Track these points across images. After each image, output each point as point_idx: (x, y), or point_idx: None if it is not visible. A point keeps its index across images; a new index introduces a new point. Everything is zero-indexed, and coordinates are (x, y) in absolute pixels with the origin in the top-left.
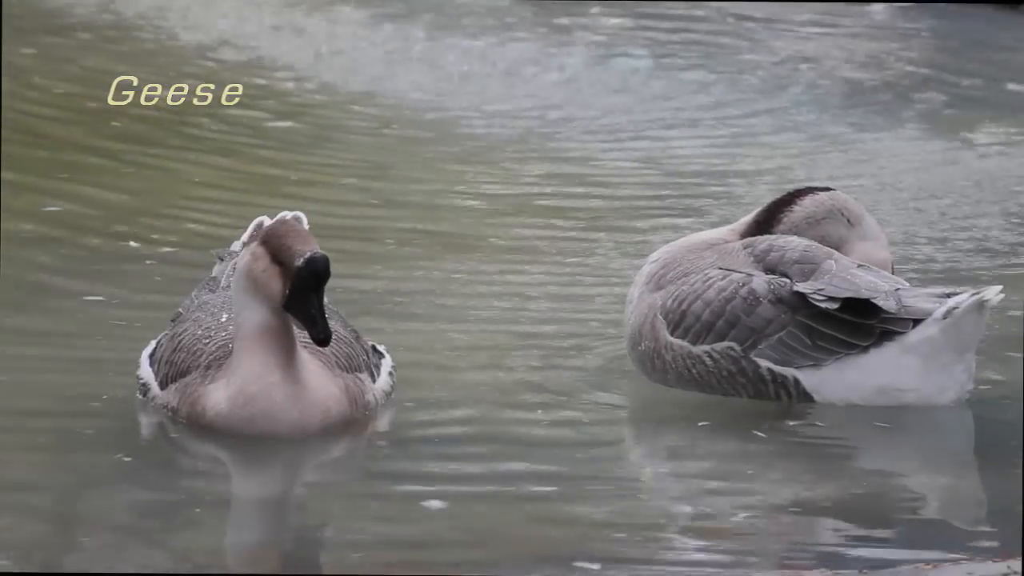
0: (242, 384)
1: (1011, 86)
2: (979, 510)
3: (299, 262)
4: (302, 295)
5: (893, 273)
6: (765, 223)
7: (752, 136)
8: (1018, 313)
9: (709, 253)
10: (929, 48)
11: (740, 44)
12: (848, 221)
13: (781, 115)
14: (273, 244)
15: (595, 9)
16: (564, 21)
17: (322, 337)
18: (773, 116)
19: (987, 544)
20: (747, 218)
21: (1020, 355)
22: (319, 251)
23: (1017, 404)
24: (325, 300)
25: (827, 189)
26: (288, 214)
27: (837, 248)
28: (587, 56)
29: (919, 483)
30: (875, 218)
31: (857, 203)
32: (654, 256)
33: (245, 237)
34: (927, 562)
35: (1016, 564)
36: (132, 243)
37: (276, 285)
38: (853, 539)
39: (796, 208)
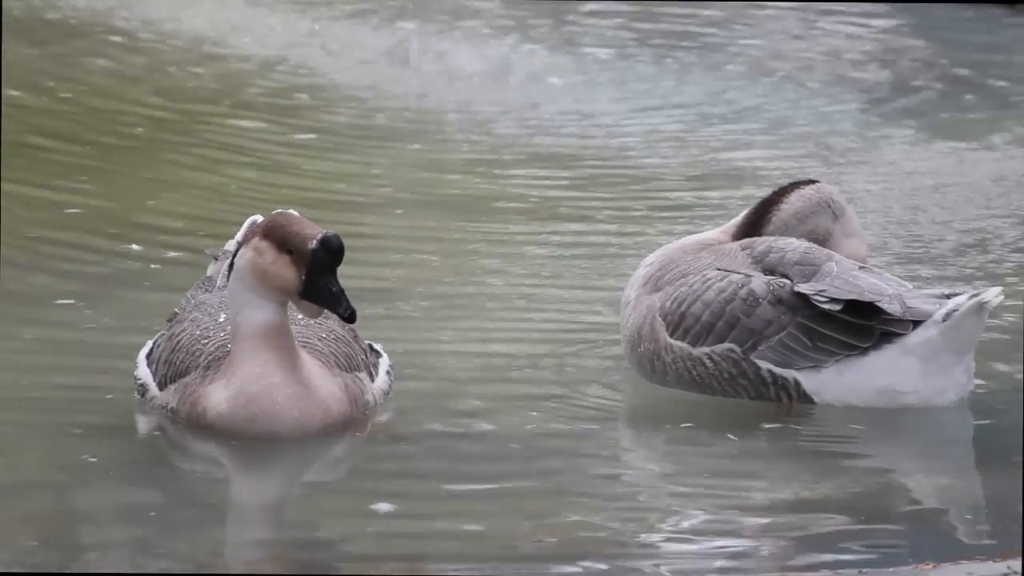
0: (243, 384)
1: (1011, 86)
2: (979, 510)
3: (313, 244)
4: (320, 277)
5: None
6: (755, 224)
7: (752, 138)
8: (1018, 313)
9: (706, 254)
10: (929, 48)
11: (741, 45)
12: (834, 213)
13: (779, 116)
14: (278, 234)
15: (590, 7)
16: (568, 21)
17: (349, 313)
18: (773, 117)
19: (987, 544)
20: (736, 220)
21: (1020, 355)
22: (329, 231)
23: (1017, 404)
24: None
25: (811, 182)
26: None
27: (824, 241)
28: (589, 56)
29: (919, 483)
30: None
31: (840, 195)
32: (649, 259)
33: (239, 236)
34: (927, 562)
35: (1016, 564)
36: (134, 246)
37: (290, 274)
38: (853, 539)
39: (784, 205)
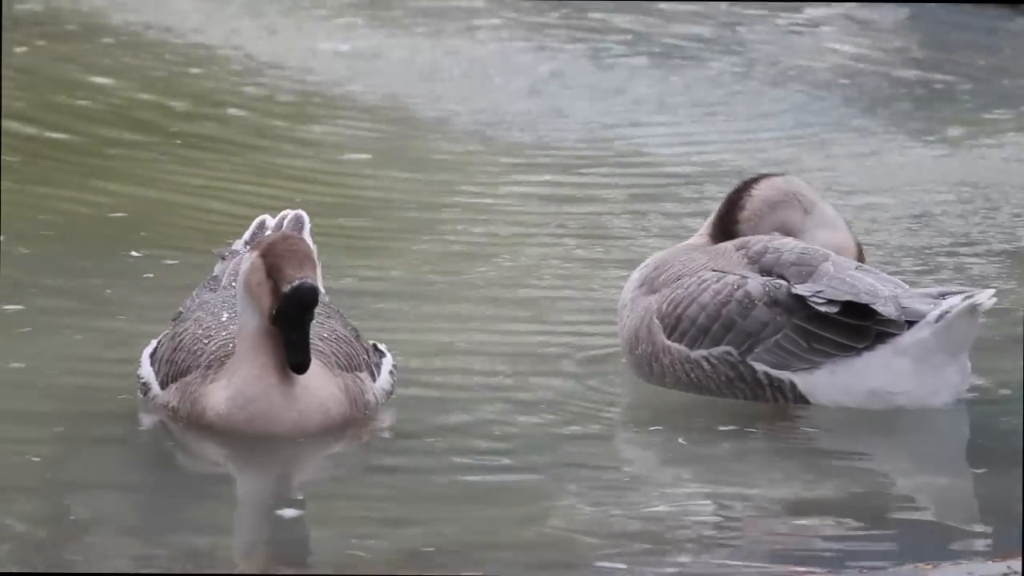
0: (241, 385)
1: (1011, 86)
2: (979, 510)
3: (286, 288)
4: (286, 319)
5: (862, 256)
6: (727, 214)
7: (750, 138)
8: (1018, 313)
9: (699, 254)
10: (928, 48)
11: (738, 44)
12: (803, 207)
13: (778, 116)
14: (270, 261)
15: (594, 10)
16: (562, 21)
17: (295, 364)
18: (770, 117)
19: (987, 544)
20: (710, 219)
21: (1017, 354)
22: (309, 280)
23: (1014, 404)
24: (326, 299)
25: (780, 175)
26: (290, 212)
27: (796, 235)
28: (587, 56)
29: (919, 483)
30: (836, 206)
31: (810, 188)
32: (645, 261)
33: (247, 236)
34: (927, 562)
35: (1016, 564)
36: (134, 252)
37: (267, 302)
38: (852, 539)
39: (755, 192)
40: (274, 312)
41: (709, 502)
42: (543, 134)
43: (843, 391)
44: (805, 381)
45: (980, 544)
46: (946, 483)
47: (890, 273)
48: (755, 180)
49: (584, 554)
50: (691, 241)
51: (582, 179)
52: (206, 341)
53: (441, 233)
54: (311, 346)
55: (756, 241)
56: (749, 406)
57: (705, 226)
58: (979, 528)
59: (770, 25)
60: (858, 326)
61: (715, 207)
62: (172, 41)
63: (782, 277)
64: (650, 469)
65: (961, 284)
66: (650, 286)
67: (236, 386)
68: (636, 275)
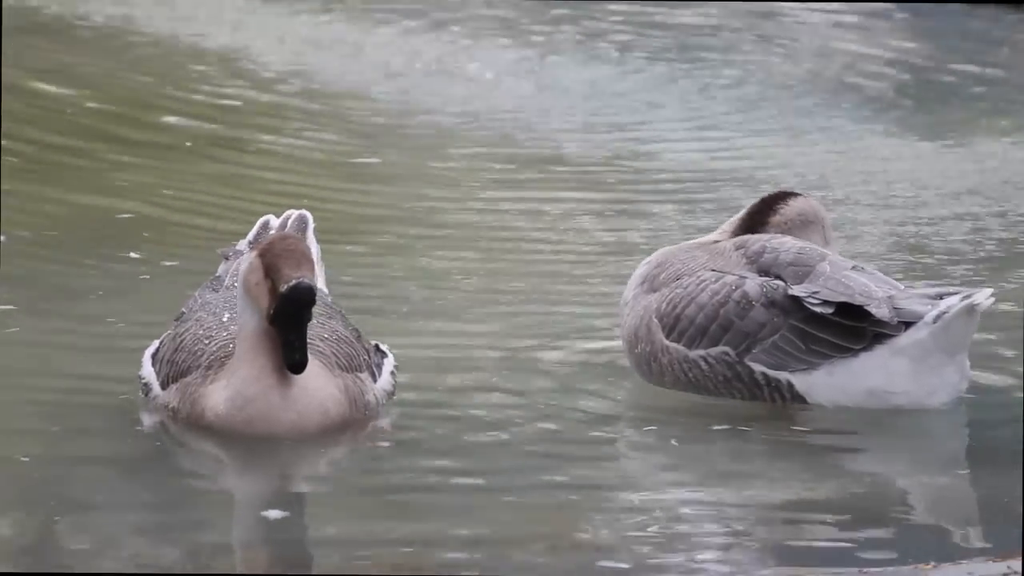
0: (240, 386)
1: (1011, 85)
2: (979, 510)
3: (283, 288)
4: (283, 318)
5: None
6: (759, 213)
7: (749, 137)
8: (1018, 313)
9: (700, 253)
10: (929, 47)
11: (737, 43)
12: (825, 236)
13: (777, 115)
14: (267, 261)
15: (597, 11)
16: (565, 23)
17: (292, 364)
18: (772, 120)
19: (987, 544)
20: (735, 218)
21: (1020, 354)
22: (306, 279)
23: (1016, 404)
24: (328, 299)
25: (814, 197)
26: (294, 212)
27: None
28: (591, 61)
29: (918, 483)
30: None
31: (831, 223)
32: (649, 258)
33: (251, 236)
34: (927, 562)
35: (1016, 564)
36: (133, 254)
37: (265, 301)
38: (852, 539)
39: (792, 202)
40: (272, 312)
41: (708, 503)
42: (546, 139)
43: (841, 391)
44: (802, 381)
45: (980, 544)
46: (946, 483)
47: (890, 273)
48: (793, 193)
49: (582, 554)
50: (708, 237)
51: (584, 182)
52: (207, 342)
53: (443, 236)
54: (311, 347)
55: (755, 241)
56: (747, 406)
57: (728, 223)
58: (979, 528)
59: (773, 28)
60: (853, 327)
61: (716, 211)
62: (173, 43)
63: (779, 277)
64: (649, 469)
65: (960, 284)
66: (651, 284)
67: (235, 387)
68: (639, 271)
